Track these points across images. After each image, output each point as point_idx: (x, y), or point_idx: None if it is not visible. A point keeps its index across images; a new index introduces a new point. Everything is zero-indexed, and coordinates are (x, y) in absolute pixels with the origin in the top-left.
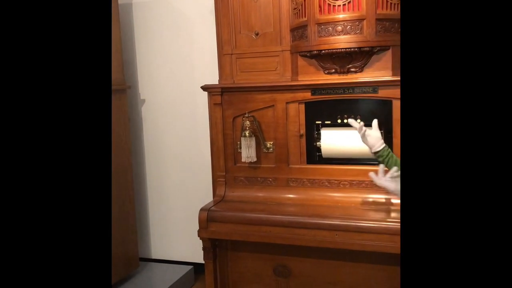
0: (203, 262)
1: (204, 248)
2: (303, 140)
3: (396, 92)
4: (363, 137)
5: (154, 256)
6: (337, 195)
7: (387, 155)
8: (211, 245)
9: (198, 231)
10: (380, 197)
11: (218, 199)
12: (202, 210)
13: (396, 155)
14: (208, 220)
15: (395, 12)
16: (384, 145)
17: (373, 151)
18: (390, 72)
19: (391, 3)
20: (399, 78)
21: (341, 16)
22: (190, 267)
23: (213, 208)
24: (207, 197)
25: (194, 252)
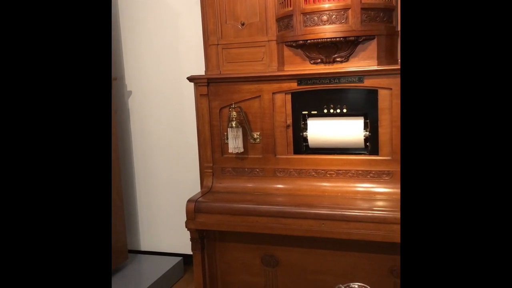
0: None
1: (192, 239)
2: (290, 130)
3: (381, 82)
4: None
5: (143, 248)
6: (323, 184)
7: None
8: (199, 236)
9: (186, 222)
10: (366, 186)
11: (206, 190)
12: (189, 201)
13: (382, 142)
14: (195, 211)
15: (380, 1)
16: None
17: None
18: (376, 62)
19: None
20: (385, 68)
21: (326, 5)
22: (179, 258)
23: (200, 199)
24: (195, 188)
25: (183, 243)
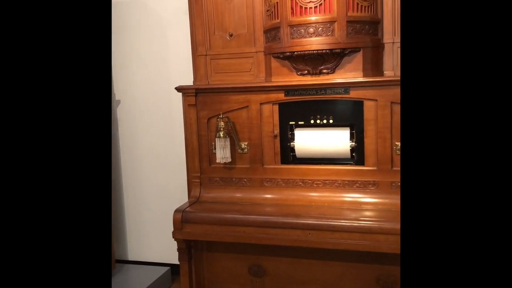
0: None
1: (179, 249)
2: (277, 140)
3: (367, 93)
4: None
5: (130, 258)
6: (310, 194)
7: None
8: (186, 246)
9: (173, 232)
10: (352, 196)
11: (193, 200)
12: (176, 211)
13: (367, 153)
14: (182, 221)
15: (366, 14)
16: None
17: None
18: (361, 73)
19: (361, 6)
20: (370, 79)
21: (313, 18)
22: (167, 268)
23: (188, 209)
24: (183, 198)
25: (171, 253)
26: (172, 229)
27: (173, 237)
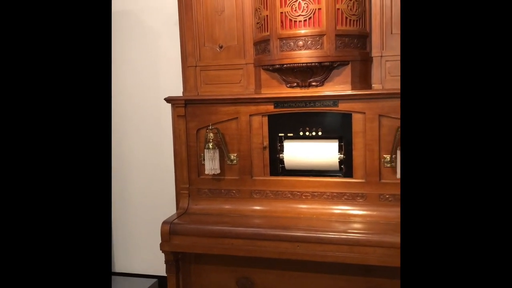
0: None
1: (166, 262)
2: (267, 152)
3: (355, 106)
4: None
5: (117, 270)
6: (299, 206)
7: None
8: (174, 258)
9: (161, 244)
10: (341, 208)
11: (182, 212)
12: (164, 223)
13: (356, 165)
14: (170, 233)
15: (354, 28)
16: None
17: None
18: (350, 86)
19: (350, 20)
20: (358, 92)
21: (302, 31)
22: (154, 280)
23: (176, 220)
24: (171, 209)
25: (158, 265)
26: (160, 241)
27: (160, 249)
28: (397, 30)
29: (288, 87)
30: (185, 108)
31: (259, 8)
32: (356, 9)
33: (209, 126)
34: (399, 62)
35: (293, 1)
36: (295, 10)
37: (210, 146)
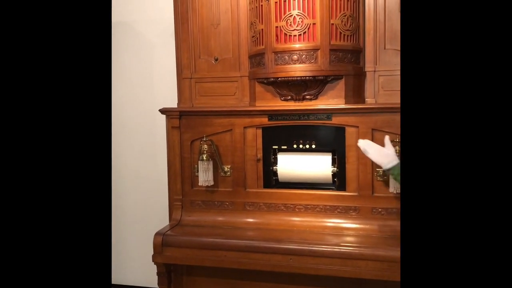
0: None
1: (158, 273)
2: (260, 164)
3: (348, 120)
4: (378, 152)
5: None
6: (292, 219)
7: (399, 173)
8: (166, 270)
9: (153, 256)
10: (334, 221)
11: (174, 223)
12: (157, 234)
13: (349, 178)
14: (163, 244)
15: (348, 43)
16: (397, 161)
17: (385, 168)
18: (343, 100)
19: (344, 35)
20: (352, 106)
21: (297, 45)
22: None
23: (168, 232)
24: (164, 221)
25: (150, 276)
26: (151, 253)
27: (152, 261)
28: (390, 45)
29: (282, 100)
30: (179, 119)
31: (254, 22)
32: (350, 25)
33: (203, 137)
34: (392, 77)
35: (288, 16)
36: (290, 25)
37: (204, 158)
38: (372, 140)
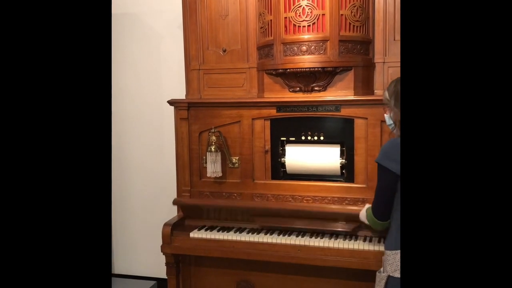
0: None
1: (167, 264)
2: (268, 155)
3: (357, 111)
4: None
5: (117, 271)
6: None
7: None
8: (174, 261)
9: (162, 246)
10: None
11: (182, 214)
12: (165, 225)
13: (357, 170)
14: (171, 235)
15: (358, 34)
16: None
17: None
18: (352, 92)
19: (353, 26)
20: (361, 98)
21: (306, 36)
22: (154, 282)
23: (177, 223)
24: (171, 212)
25: (158, 267)
26: (159, 243)
27: (161, 251)
28: (399, 36)
29: (290, 91)
30: (188, 111)
31: (263, 13)
32: (360, 16)
33: (211, 129)
34: None
35: (297, 6)
36: (299, 15)
37: (212, 149)
38: (381, 132)
